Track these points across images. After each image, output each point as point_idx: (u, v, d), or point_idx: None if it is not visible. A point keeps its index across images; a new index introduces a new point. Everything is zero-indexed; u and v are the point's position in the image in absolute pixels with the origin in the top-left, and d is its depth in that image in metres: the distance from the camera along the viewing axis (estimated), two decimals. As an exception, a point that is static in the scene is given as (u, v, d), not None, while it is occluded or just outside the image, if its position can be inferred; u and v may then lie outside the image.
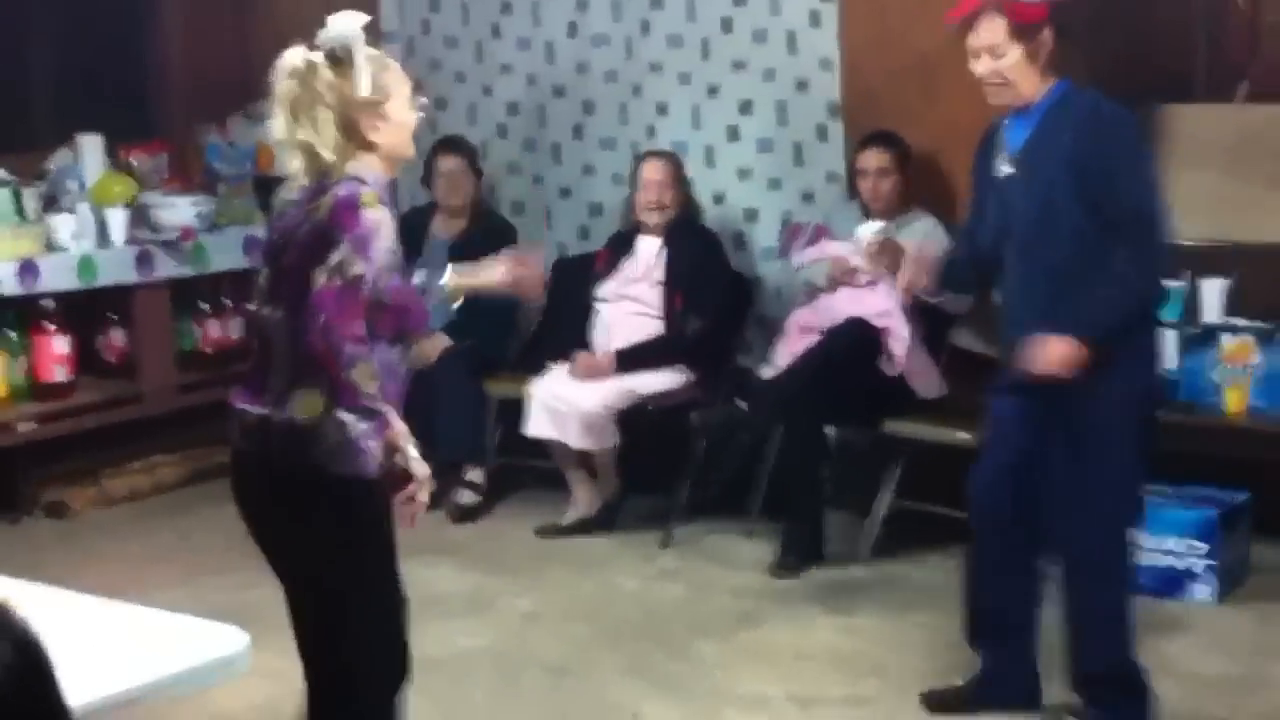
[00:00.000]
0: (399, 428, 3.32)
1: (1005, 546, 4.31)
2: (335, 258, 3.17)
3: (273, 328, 3.32)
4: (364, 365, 3.19)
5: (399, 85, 3.38)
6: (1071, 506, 4.19)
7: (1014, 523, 4.28)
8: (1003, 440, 4.33)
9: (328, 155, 3.27)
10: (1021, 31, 4.10)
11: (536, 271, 3.77)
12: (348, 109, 3.29)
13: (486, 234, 6.58)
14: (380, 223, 3.22)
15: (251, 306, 3.47)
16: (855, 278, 5.85)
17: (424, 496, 3.41)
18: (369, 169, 3.33)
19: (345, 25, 3.32)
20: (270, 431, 3.27)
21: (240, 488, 3.42)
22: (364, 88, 3.29)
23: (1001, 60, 4.12)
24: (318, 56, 3.29)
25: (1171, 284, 5.76)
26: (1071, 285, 4.07)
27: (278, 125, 3.32)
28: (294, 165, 3.34)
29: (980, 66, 4.15)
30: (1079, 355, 4.01)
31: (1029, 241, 4.17)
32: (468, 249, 6.35)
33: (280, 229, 3.38)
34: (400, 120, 3.38)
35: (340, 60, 3.29)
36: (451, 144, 7.01)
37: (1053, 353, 4.02)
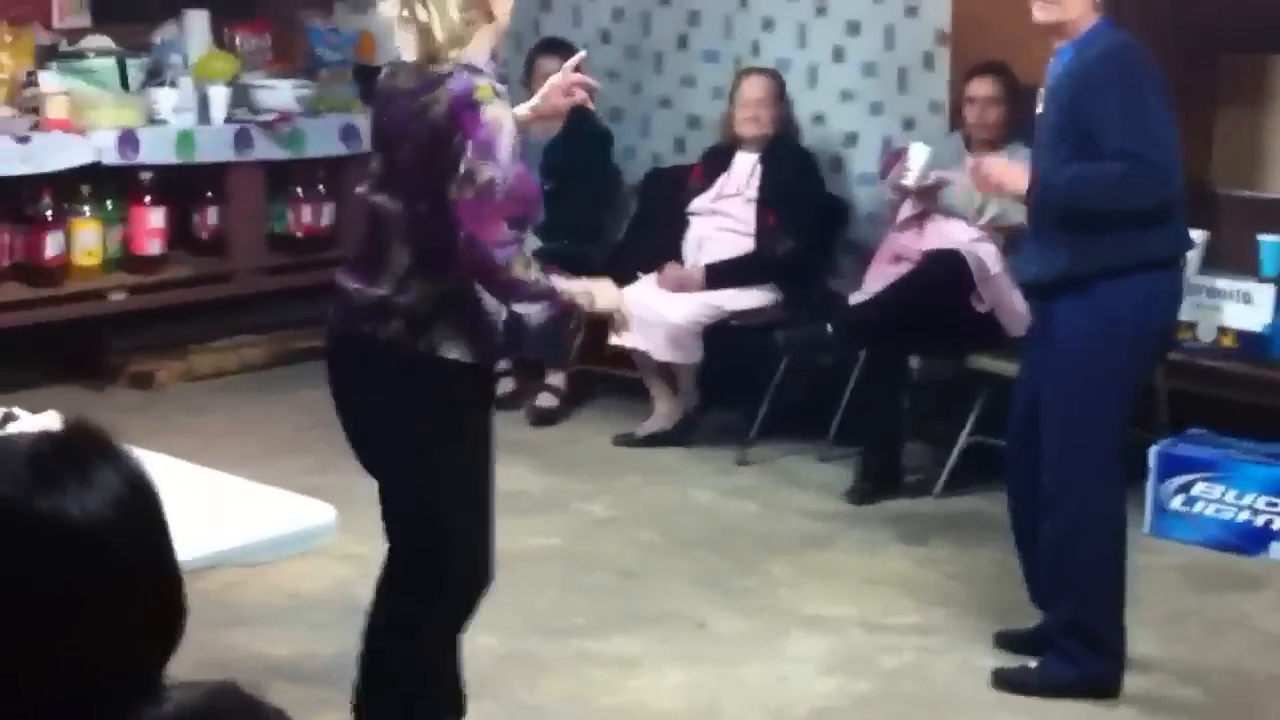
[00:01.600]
0: (564, 285, 3.39)
1: (1028, 490, 4.30)
2: (464, 166, 3.16)
3: (390, 218, 3.32)
4: (518, 259, 3.23)
5: None
6: (1043, 445, 4.17)
7: (1030, 470, 4.26)
8: (1022, 382, 4.35)
9: (439, 35, 3.24)
10: None
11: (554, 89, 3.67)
12: None
13: (582, 138, 6.56)
14: (501, 119, 3.21)
15: (362, 190, 3.45)
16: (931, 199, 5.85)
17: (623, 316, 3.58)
18: (478, 50, 3.30)
19: None
20: (390, 314, 3.28)
21: (341, 368, 3.42)
22: None
23: None
24: None
25: (1273, 238, 5.70)
26: (1060, 223, 4.07)
27: (388, 3, 3.31)
28: (404, 43, 3.31)
29: None
30: (1015, 176, 4.06)
31: (1040, 178, 4.15)
32: (562, 152, 6.35)
33: (391, 118, 3.35)
34: None
35: None
36: (554, 45, 6.95)
37: (994, 165, 4.03)
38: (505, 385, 6.66)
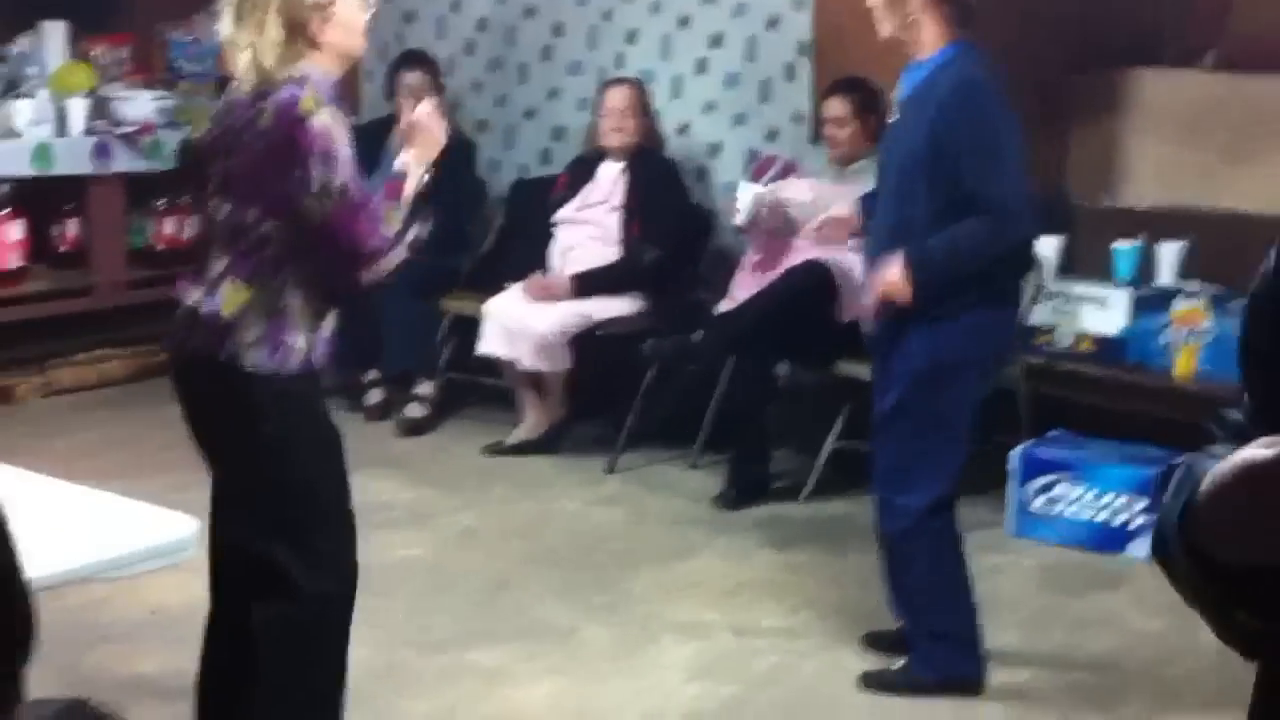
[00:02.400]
0: (407, 170, 3.43)
1: None
2: (315, 184, 3.19)
3: (215, 223, 3.35)
4: (390, 219, 3.31)
5: None
6: (876, 462, 4.25)
7: None
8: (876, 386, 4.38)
9: (268, 60, 3.27)
10: None
11: (427, 118, 3.63)
12: (293, 10, 3.28)
13: (445, 150, 6.52)
14: (329, 126, 3.24)
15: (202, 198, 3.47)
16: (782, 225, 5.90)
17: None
18: (315, 67, 3.32)
19: None
20: (194, 324, 3.30)
21: (174, 382, 3.45)
22: None
23: None
24: None
25: (1127, 244, 5.81)
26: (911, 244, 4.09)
27: (225, 25, 3.34)
28: (240, 64, 3.32)
29: None
30: (903, 285, 4.01)
31: (887, 197, 4.17)
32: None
33: (224, 128, 3.37)
34: (348, 19, 3.36)
35: None
36: (415, 58, 6.94)
37: (885, 277, 4.04)
38: (374, 396, 6.64)
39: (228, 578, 3.48)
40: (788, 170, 6.13)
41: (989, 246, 4.02)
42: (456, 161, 6.67)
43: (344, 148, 3.25)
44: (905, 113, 4.15)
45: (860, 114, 5.93)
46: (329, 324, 3.39)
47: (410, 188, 3.43)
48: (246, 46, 3.28)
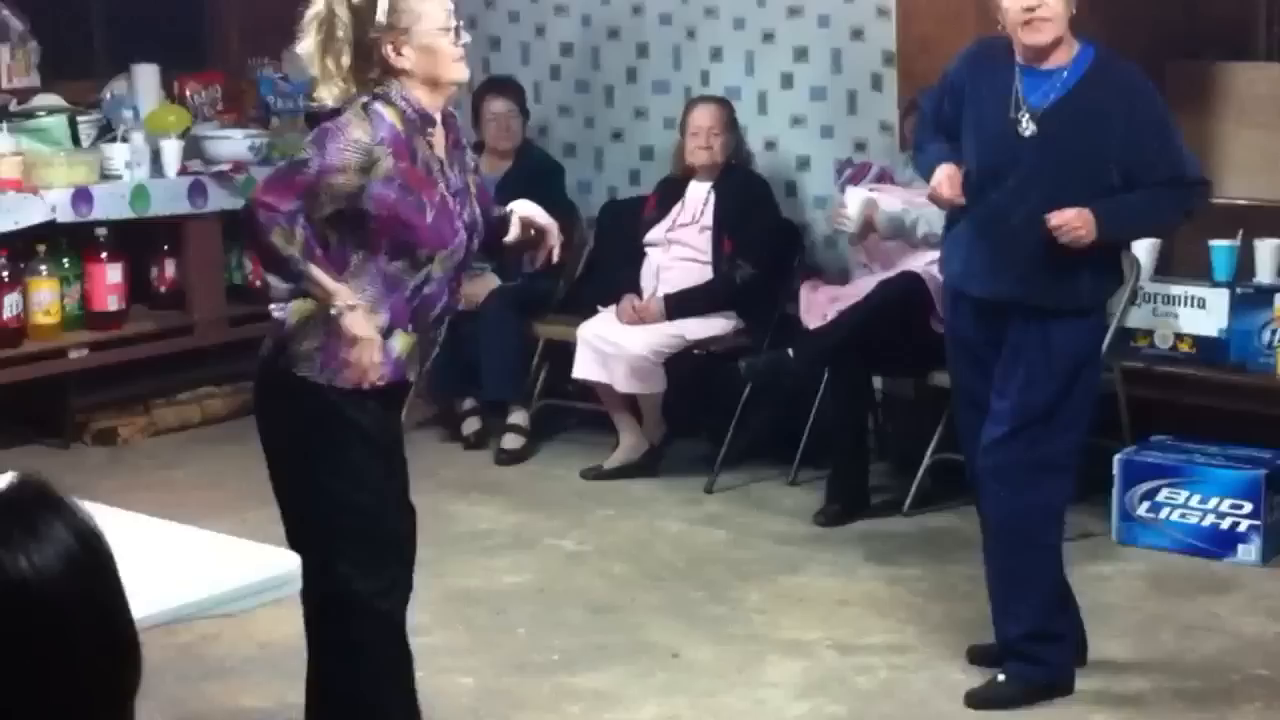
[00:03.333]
0: (330, 286, 3.33)
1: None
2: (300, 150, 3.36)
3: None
4: (281, 230, 3.28)
5: (428, 11, 3.38)
6: (997, 450, 4.23)
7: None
8: (968, 376, 4.39)
9: (339, 84, 3.36)
10: None
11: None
12: (360, 34, 3.33)
13: (532, 173, 6.57)
14: (346, 126, 3.31)
15: None
16: (844, 227, 5.89)
17: (365, 358, 3.35)
18: (406, 93, 3.37)
19: None
20: (270, 332, 3.47)
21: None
22: (382, 14, 3.33)
23: None
24: None
25: (1224, 243, 5.74)
26: (1055, 251, 4.10)
27: (306, 57, 3.42)
28: (324, 92, 3.42)
29: None
30: (1087, 228, 4.02)
31: (1047, 204, 4.10)
32: (513, 187, 6.32)
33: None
34: (428, 44, 3.38)
35: None
36: (499, 85, 6.96)
37: (1068, 216, 4.03)
38: (470, 425, 6.67)
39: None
40: (883, 176, 6.11)
41: (1171, 214, 4.31)
42: (543, 185, 6.71)
43: (338, 148, 3.29)
44: (1057, 121, 4.11)
45: None
46: (396, 345, 3.42)
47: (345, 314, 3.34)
48: (324, 71, 3.37)
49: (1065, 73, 4.11)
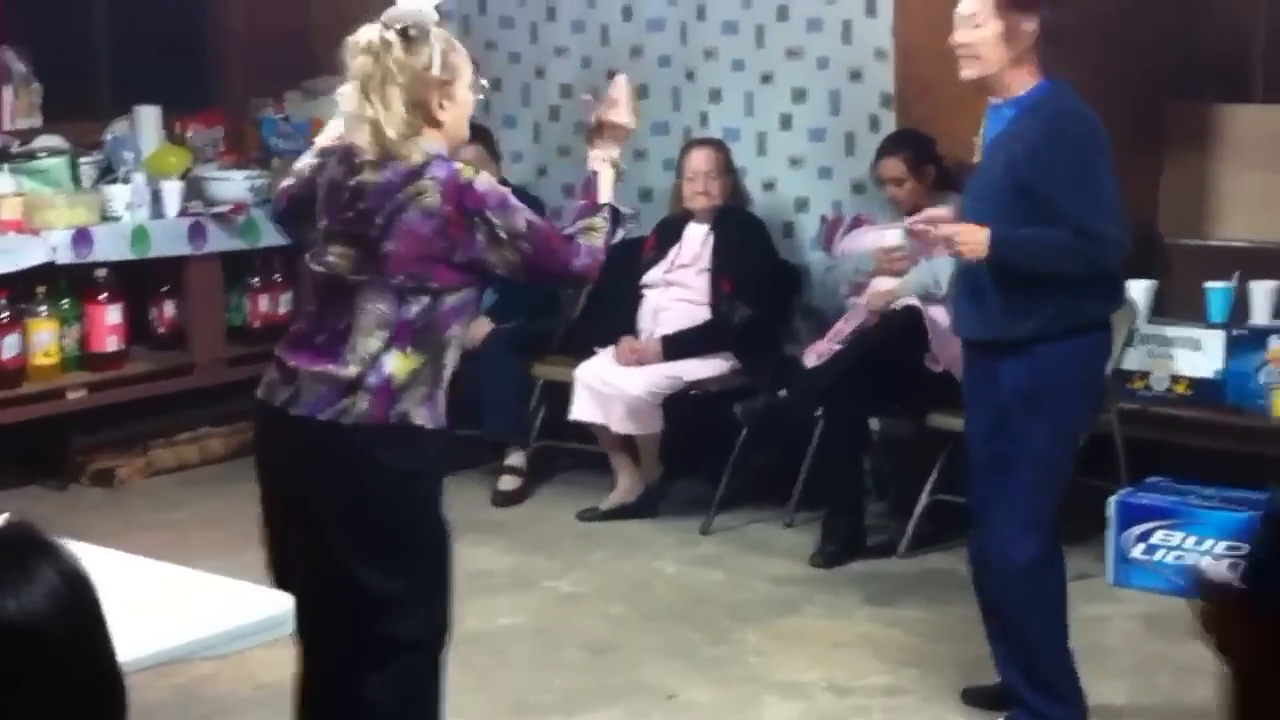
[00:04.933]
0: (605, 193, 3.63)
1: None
2: (500, 233, 3.32)
3: (372, 291, 3.35)
4: (587, 234, 3.49)
5: (465, 66, 3.44)
6: (981, 501, 4.24)
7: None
8: (970, 420, 4.37)
9: (391, 133, 3.32)
10: (1003, 9, 4.09)
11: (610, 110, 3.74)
12: (417, 87, 3.34)
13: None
14: (492, 180, 3.40)
15: (325, 271, 3.47)
16: (899, 262, 5.89)
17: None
18: (437, 146, 3.38)
19: (418, 4, 3.39)
20: (353, 390, 3.33)
21: (291, 451, 3.45)
22: (436, 66, 3.35)
23: (975, 31, 4.11)
24: (391, 34, 3.34)
25: (1220, 285, 5.76)
26: (1006, 286, 4.10)
27: (348, 99, 3.39)
28: (360, 139, 3.37)
29: (957, 35, 4.16)
30: (979, 244, 4.02)
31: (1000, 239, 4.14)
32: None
33: (367, 208, 3.37)
34: (463, 100, 3.45)
35: (413, 39, 3.34)
36: (469, 130, 6.94)
37: (968, 229, 4.06)
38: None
39: (335, 648, 3.48)
40: (857, 223, 6.16)
41: (1074, 263, 4.06)
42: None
43: (512, 195, 3.38)
44: (995, 152, 4.16)
45: (915, 168, 5.95)
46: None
47: (606, 187, 3.57)
48: (369, 123, 3.33)
49: (1013, 106, 4.14)
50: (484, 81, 3.56)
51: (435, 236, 3.31)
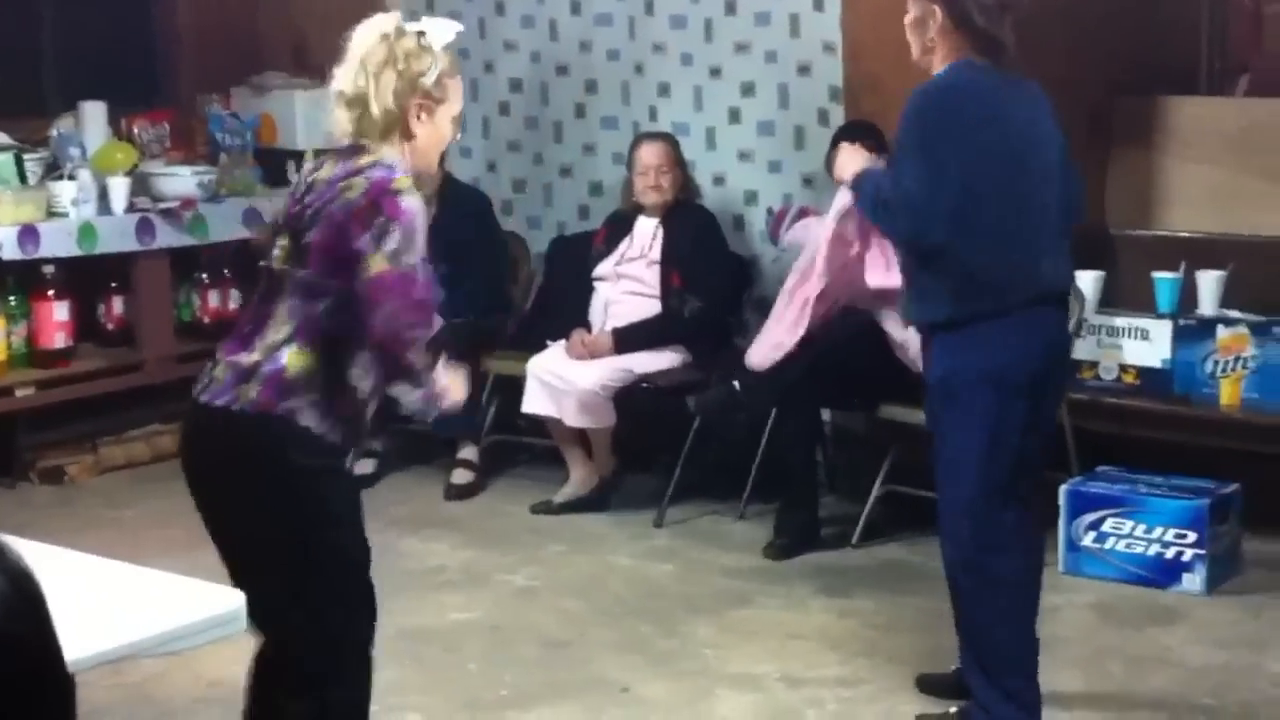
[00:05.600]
0: (443, 381, 3.42)
1: None
2: (390, 244, 3.23)
3: (291, 288, 3.33)
4: (421, 344, 3.31)
5: (456, 98, 3.45)
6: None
7: None
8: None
9: (376, 111, 3.33)
10: None
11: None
12: (408, 87, 3.34)
13: (462, 213, 6.55)
14: (417, 211, 3.29)
15: (265, 263, 3.46)
16: (847, 249, 5.89)
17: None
18: (400, 160, 3.37)
19: (443, 25, 3.43)
20: (248, 379, 3.29)
21: (200, 442, 3.42)
22: (431, 79, 3.36)
23: (906, 19, 4.19)
24: (408, 29, 3.38)
25: (1167, 275, 5.80)
26: (913, 270, 4.18)
27: (344, 74, 3.38)
28: (339, 119, 3.38)
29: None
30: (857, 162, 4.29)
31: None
32: (445, 230, 6.25)
33: (309, 201, 3.37)
34: (442, 127, 3.44)
35: (424, 45, 3.37)
36: None
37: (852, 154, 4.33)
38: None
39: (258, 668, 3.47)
40: (804, 214, 6.16)
41: (883, 213, 4.17)
42: (474, 221, 6.71)
43: (422, 240, 3.30)
44: None
45: (873, 154, 5.93)
46: (375, 402, 3.41)
47: (453, 379, 3.48)
48: (356, 99, 3.35)
49: None
50: (459, 132, 3.55)
51: (344, 226, 3.26)
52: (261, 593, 3.20)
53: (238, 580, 3.30)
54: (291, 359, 3.28)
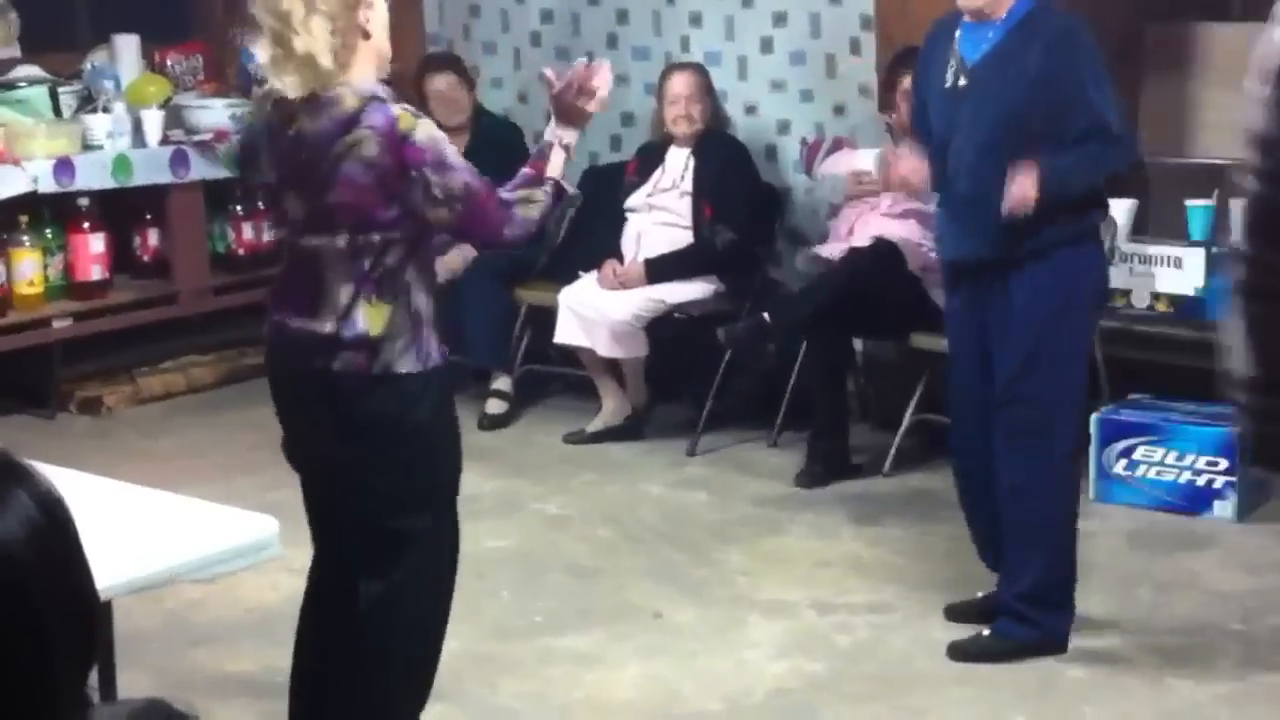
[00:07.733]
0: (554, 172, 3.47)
1: (980, 461, 4.36)
2: (436, 191, 3.26)
3: (329, 257, 3.33)
4: (520, 206, 3.39)
5: None
6: (999, 412, 4.26)
7: (980, 430, 4.34)
8: (957, 342, 4.42)
9: (326, 63, 3.26)
10: None
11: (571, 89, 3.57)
12: (342, 9, 3.28)
13: (493, 141, 6.54)
14: (433, 134, 3.30)
15: (285, 235, 3.47)
16: (868, 187, 5.89)
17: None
18: (366, 74, 3.33)
19: None
20: (334, 347, 3.32)
21: (298, 406, 3.45)
22: None
23: None
24: None
25: (1200, 203, 5.78)
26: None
27: (263, 51, 3.33)
28: (288, 81, 3.29)
29: None
30: (1032, 194, 4.07)
31: (980, 156, 4.17)
32: (477, 162, 6.29)
33: (305, 163, 3.34)
34: (382, 17, 3.39)
35: None
36: (436, 62, 6.93)
37: (1018, 189, 4.08)
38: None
39: (339, 561, 3.50)
40: (838, 146, 6.15)
41: (1111, 166, 4.26)
42: (506, 153, 6.70)
43: (452, 151, 3.32)
44: (986, 74, 4.17)
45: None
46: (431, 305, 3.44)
47: (556, 165, 3.47)
48: (300, 56, 3.26)
49: (998, 24, 4.17)
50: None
51: (375, 188, 3.26)
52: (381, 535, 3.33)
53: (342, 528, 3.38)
54: (369, 317, 3.31)
